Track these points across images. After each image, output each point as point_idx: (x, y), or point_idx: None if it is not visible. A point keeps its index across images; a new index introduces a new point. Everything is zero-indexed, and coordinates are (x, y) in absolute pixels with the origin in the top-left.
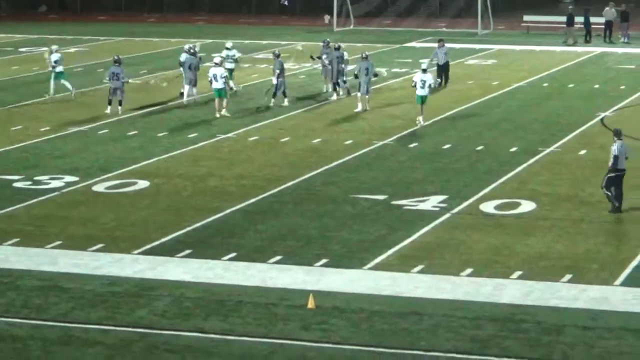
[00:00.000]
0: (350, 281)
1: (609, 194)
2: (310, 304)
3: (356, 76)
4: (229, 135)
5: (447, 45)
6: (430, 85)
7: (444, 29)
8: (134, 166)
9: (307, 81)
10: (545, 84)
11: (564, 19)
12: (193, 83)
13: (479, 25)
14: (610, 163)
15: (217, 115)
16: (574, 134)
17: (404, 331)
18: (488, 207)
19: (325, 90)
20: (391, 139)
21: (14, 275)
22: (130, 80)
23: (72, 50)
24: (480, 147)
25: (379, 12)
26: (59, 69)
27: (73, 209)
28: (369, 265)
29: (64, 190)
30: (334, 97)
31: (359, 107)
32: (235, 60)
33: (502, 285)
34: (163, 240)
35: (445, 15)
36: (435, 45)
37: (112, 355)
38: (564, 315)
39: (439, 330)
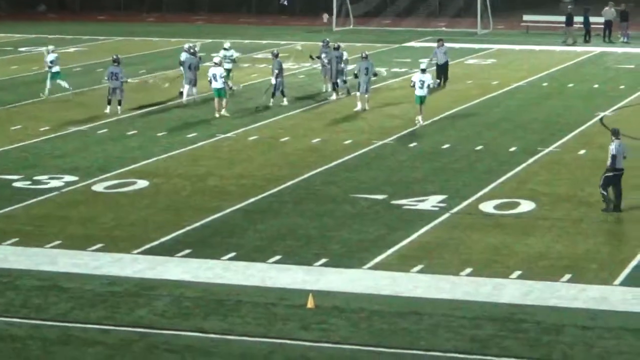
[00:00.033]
0: (350, 281)
1: (605, 193)
2: (310, 303)
3: (356, 76)
4: (229, 134)
5: (447, 45)
6: (429, 86)
7: (443, 29)
8: (133, 166)
9: (306, 81)
10: (545, 84)
11: (563, 18)
12: (193, 83)
13: (479, 25)
14: (608, 162)
15: (217, 115)
16: (573, 133)
17: (403, 331)
18: (487, 206)
19: (324, 90)
20: (391, 138)
21: (13, 275)
22: (129, 80)
23: (71, 49)
24: (479, 147)
25: (378, 12)
26: (56, 69)
27: (72, 208)
28: (368, 265)
29: (63, 190)
30: (334, 96)
31: (358, 106)
32: (233, 61)
33: (501, 285)
34: (162, 240)
35: (444, 14)
36: (435, 45)
37: (112, 355)
38: (564, 315)
39: (438, 330)
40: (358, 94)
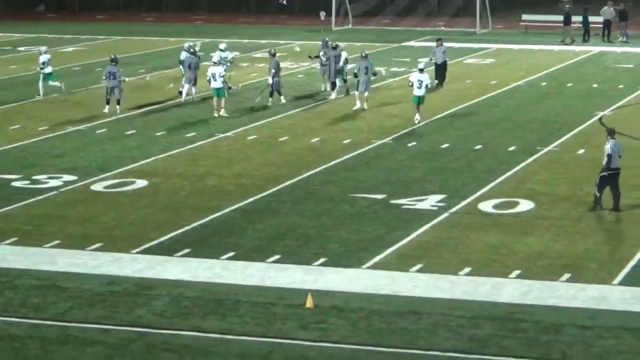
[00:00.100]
0: (349, 280)
1: (598, 195)
2: (309, 303)
3: (355, 75)
4: (228, 134)
5: (446, 44)
6: (427, 86)
7: (442, 28)
8: (132, 165)
9: (305, 80)
10: (544, 83)
11: (562, 18)
12: (193, 82)
13: (478, 25)
14: (604, 162)
15: (216, 115)
16: (572, 133)
17: (402, 330)
18: (486, 206)
19: (323, 90)
20: (390, 138)
21: (12, 275)
22: (126, 79)
23: (70, 49)
24: (478, 146)
25: (377, 12)
26: (48, 70)
27: (71, 208)
28: (367, 265)
29: (62, 190)
30: (333, 96)
31: (358, 105)
32: (230, 62)
33: (500, 284)
34: (161, 239)
35: (443, 14)
36: (434, 44)
37: (111, 354)
38: (563, 314)
39: (437, 330)
40: (357, 93)
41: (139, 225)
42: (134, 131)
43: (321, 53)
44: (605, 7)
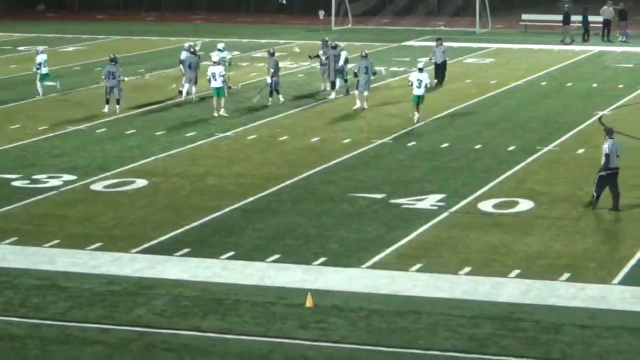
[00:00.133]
0: (349, 280)
1: (595, 195)
2: (309, 302)
3: (356, 74)
4: (228, 134)
5: (445, 44)
6: (426, 85)
7: (442, 28)
8: (132, 165)
9: (305, 80)
10: (544, 83)
11: (562, 17)
12: (193, 81)
13: (477, 24)
14: (602, 162)
15: (215, 114)
16: (572, 132)
17: (402, 330)
18: (486, 205)
19: (323, 89)
20: (389, 137)
21: (11, 274)
22: (125, 79)
23: (70, 49)
24: (478, 146)
25: (377, 11)
26: (44, 70)
27: (71, 207)
28: (367, 264)
29: (62, 189)
30: (332, 95)
31: (357, 105)
32: (228, 64)
33: (500, 284)
34: (161, 239)
35: (443, 13)
36: (434, 44)
37: (111, 354)
38: (562, 314)
39: (437, 329)
40: (357, 92)
41: (138, 225)
42: (133, 131)
43: (320, 52)
44: (605, 7)
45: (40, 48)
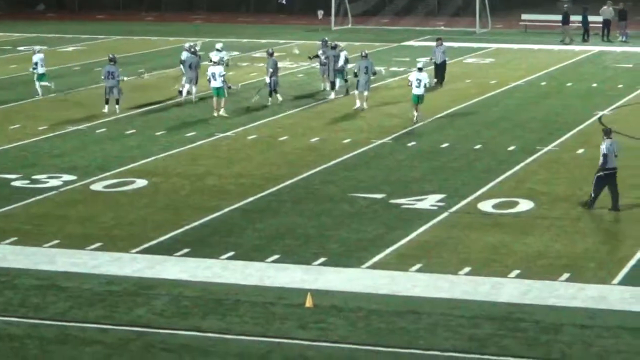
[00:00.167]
0: (348, 280)
1: (593, 195)
2: (308, 302)
3: (356, 74)
4: (228, 134)
5: (445, 44)
6: (426, 85)
7: (442, 28)
8: (132, 165)
9: (305, 80)
10: (543, 83)
11: (561, 17)
12: (194, 81)
13: (477, 24)
14: (600, 162)
15: (215, 114)
16: (571, 132)
17: (401, 330)
18: (486, 206)
19: (323, 89)
20: (389, 137)
21: (11, 274)
22: (125, 79)
23: (70, 49)
24: (478, 146)
25: (376, 11)
26: (41, 70)
27: (71, 207)
28: (366, 264)
29: (62, 189)
30: (332, 95)
31: (357, 105)
32: (227, 64)
33: (500, 284)
34: (161, 239)
35: (443, 13)
36: (434, 44)
37: (110, 354)
38: (562, 314)
39: (437, 329)
40: (357, 92)
41: (138, 225)
42: (133, 131)
43: (320, 52)
44: (605, 7)
45: (37, 47)
